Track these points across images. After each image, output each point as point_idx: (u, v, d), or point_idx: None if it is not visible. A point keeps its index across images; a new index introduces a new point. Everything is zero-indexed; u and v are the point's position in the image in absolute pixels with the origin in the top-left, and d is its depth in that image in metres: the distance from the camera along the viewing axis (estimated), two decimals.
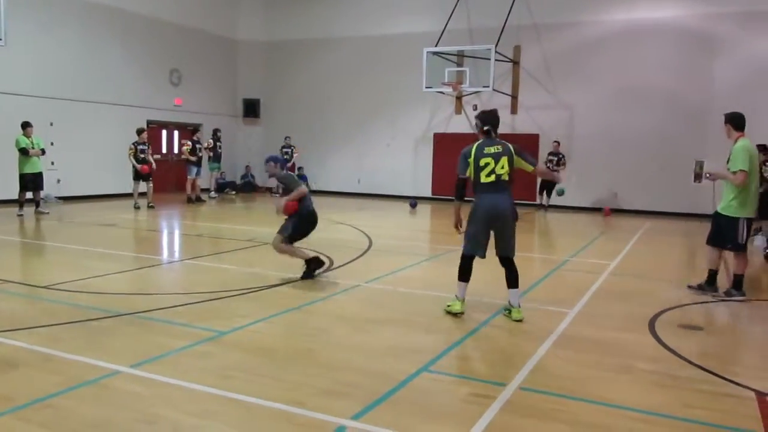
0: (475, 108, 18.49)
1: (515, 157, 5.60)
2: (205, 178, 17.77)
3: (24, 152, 12.34)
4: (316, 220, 7.33)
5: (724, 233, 6.75)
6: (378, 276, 7.40)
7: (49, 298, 6.05)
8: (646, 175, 16.43)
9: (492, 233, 5.62)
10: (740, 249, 6.75)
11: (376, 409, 3.62)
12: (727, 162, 6.73)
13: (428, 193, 19.03)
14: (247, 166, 21.18)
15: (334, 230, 11.05)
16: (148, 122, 17.87)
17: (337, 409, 3.59)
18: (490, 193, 5.53)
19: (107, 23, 16.74)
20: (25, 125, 12.51)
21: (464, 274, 5.70)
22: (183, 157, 16.80)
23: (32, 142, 12.49)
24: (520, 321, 5.50)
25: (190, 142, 16.65)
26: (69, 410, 3.53)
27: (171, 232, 11.91)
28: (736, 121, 6.74)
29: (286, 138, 19.26)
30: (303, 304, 6.04)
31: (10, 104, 14.14)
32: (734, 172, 6.53)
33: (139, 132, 14.74)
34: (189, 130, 18.57)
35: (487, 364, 4.51)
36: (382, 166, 19.46)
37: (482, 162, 5.52)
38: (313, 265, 7.14)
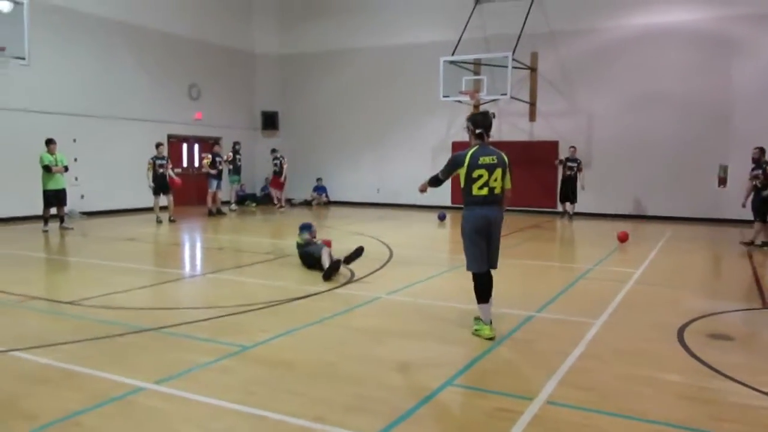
0: (493, 116, 18.36)
1: (508, 169, 5.34)
2: (225, 190, 17.90)
3: (47, 169, 12.53)
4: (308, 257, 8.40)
5: None
6: (399, 288, 7.36)
7: (74, 314, 6.11)
8: (667, 180, 16.22)
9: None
10: None
11: (401, 426, 3.57)
12: None
13: (448, 203, 18.95)
14: (266, 178, 21.29)
15: (354, 241, 11.03)
16: (169, 136, 18.08)
17: (360, 426, 3.55)
18: (482, 206, 5.27)
19: (127, 40, 17.01)
20: (49, 142, 12.71)
21: (481, 294, 5.39)
22: (203, 170, 16.96)
23: (56, 159, 12.68)
24: (492, 339, 5.24)
25: (210, 155, 16.80)
26: (93, 428, 3.54)
27: (192, 246, 12.00)
28: None
29: (272, 151, 19.07)
30: (324, 317, 6.02)
31: (34, 121, 14.40)
32: None
33: (157, 146, 14.92)
34: (209, 144, 18.77)
35: (513, 378, 4.45)
36: (401, 176, 19.44)
37: (475, 174, 5.21)
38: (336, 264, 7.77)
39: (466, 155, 5.29)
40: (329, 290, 7.20)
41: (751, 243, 11.21)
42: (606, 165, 16.91)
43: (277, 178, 18.62)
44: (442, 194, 18.99)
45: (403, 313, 6.26)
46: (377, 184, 20.23)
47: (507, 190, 5.41)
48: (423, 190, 5.82)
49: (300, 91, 21.52)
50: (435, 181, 5.61)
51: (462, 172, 5.28)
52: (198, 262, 10.32)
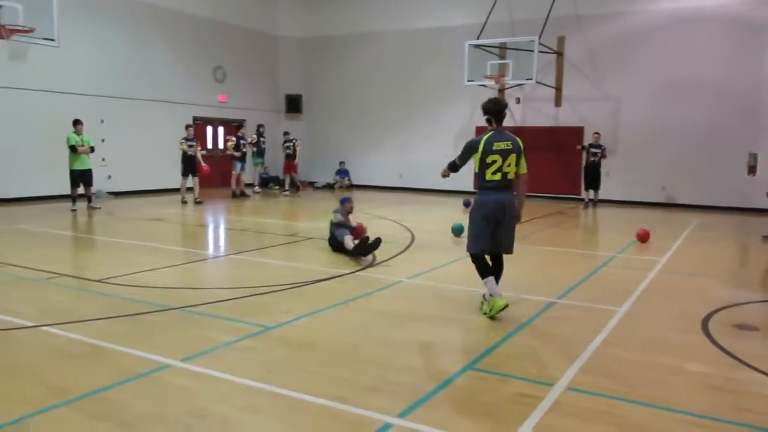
0: (518, 101, 18.23)
1: (522, 154, 5.39)
2: (249, 173, 18.03)
3: (73, 149, 12.75)
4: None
5: None
6: (420, 272, 7.38)
7: (102, 292, 6.23)
8: (695, 168, 15.92)
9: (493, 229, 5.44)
10: None
11: (422, 407, 3.60)
12: None
13: (470, 188, 18.86)
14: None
15: (377, 225, 11.06)
16: (194, 118, 18.23)
17: (382, 407, 3.59)
18: (495, 191, 5.35)
19: (154, 23, 17.12)
20: (76, 123, 12.91)
21: (484, 269, 5.52)
22: (227, 152, 17.09)
23: (82, 140, 12.88)
24: (488, 316, 5.36)
25: (234, 138, 16.91)
26: (121, 403, 3.63)
27: (216, 227, 12.13)
28: None
29: (285, 134, 18.89)
30: (346, 299, 6.07)
31: (63, 103, 14.62)
32: None
33: (187, 127, 15.10)
34: (233, 126, 18.89)
35: (533, 363, 4.44)
36: (424, 160, 19.37)
37: (489, 159, 5.29)
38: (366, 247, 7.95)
39: (480, 141, 5.36)
40: (351, 273, 7.24)
41: None
42: (632, 151, 16.64)
43: (290, 161, 18.46)
44: (465, 179, 18.93)
45: (424, 298, 6.28)
46: (400, 168, 20.19)
47: (523, 175, 5.44)
48: (445, 175, 5.93)
49: (323, 75, 21.50)
50: (453, 167, 5.73)
51: (476, 157, 5.36)
52: (222, 243, 10.44)
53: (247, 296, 6.13)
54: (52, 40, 11.79)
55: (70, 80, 15.02)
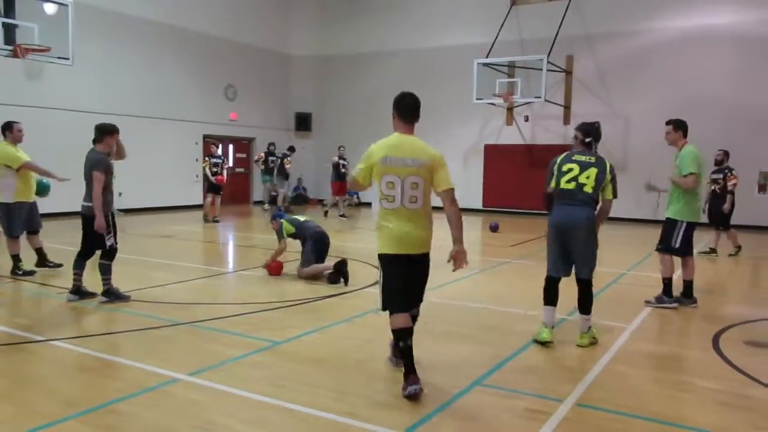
0: (526, 119, 18.29)
1: (608, 176, 5.02)
2: (258, 189, 18.13)
3: None
4: (324, 240, 8.02)
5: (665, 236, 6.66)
6: (429, 288, 7.32)
7: (111, 307, 6.27)
8: (706, 186, 15.81)
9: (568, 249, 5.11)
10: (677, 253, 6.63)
11: (430, 422, 3.59)
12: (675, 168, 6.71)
13: (479, 205, 18.89)
14: (299, 179, 21.50)
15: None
16: (205, 136, 18.38)
17: (391, 422, 3.58)
18: (566, 203, 5.03)
19: (167, 42, 17.37)
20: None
21: (546, 296, 5.23)
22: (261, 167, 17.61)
23: None
24: (583, 347, 5.12)
25: (263, 154, 17.29)
26: (131, 416, 3.64)
27: (226, 244, 12.19)
28: (685, 128, 6.77)
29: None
30: (354, 315, 6.07)
31: (77, 121, 14.79)
32: (685, 176, 6.51)
33: (211, 146, 15.23)
34: (245, 143, 19.02)
35: (542, 379, 4.42)
36: None
37: (565, 167, 5.06)
38: (341, 266, 7.51)
39: (562, 155, 5.23)
40: (359, 289, 7.25)
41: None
42: (642, 170, 16.52)
43: (341, 183, 16.41)
44: (474, 196, 18.96)
45: (432, 314, 6.25)
46: None
47: (607, 200, 5.12)
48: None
49: (333, 93, 21.68)
50: (546, 203, 5.34)
51: (554, 170, 5.16)
52: (231, 259, 10.48)
53: (256, 311, 6.14)
54: (67, 59, 12.00)
55: (84, 98, 15.22)
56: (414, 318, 4.32)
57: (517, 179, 18.09)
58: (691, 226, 6.57)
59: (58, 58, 11.96)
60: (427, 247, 4.39)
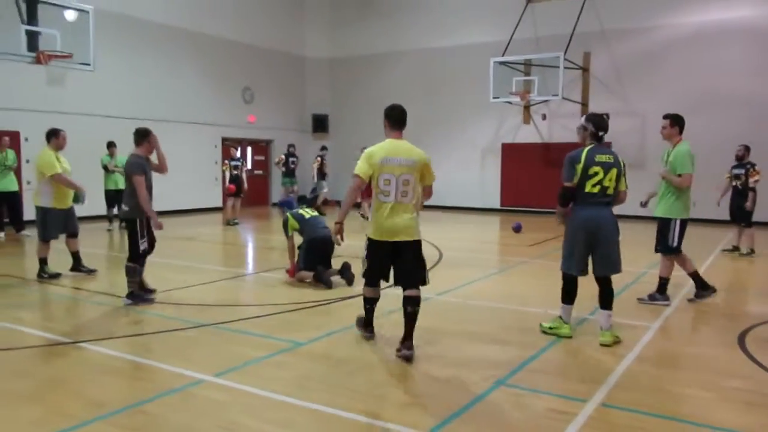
0: (544, 117, 18.20)
1: (623, 171, 5.23)
2: (277, 192, 18.21)
3: (105, 169, 13.21)
4: (323, 243, 7.75)
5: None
6: (449, 289, 7.37)
7: (137, 309, 6.36)
8: (726, 182, 15.60)
9: (591, 249, 5.20)
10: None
11: (454, 423, 3.60)
12: (665, 164, 6.71)
13: (497, 205, 18.83)
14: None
15: None
16: (223, 139, 18.56)
17: (414, 422, 3.59)
18: (592, 205, 5.13)
19: (184, 46, 17.54)
20: (109, 145, 13.31)
21: (566, 294, 5.36)
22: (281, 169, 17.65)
23: (115, 162, 13.23)
24: (607, 346, 5.09)
25: (283, 156, 17.36)
26: (158, 416, 3.70)
27: (246, 246, 12.28)
28: (682, 123, 6.75)
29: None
30: (376, 316, 6.07)
31: (98, 125, 15.02)
32: (680, 175, 6.51)
33: (231, 149, 15.31)
34: (262, 146, 19.11)
35: (566, 379, 4.41)
36: (449, 178, 19.38)
37: (591, 171, 5.08)
38: (344, 270, 7.62)
39: (581, 153, 5.18)
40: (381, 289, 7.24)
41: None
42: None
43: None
44: (491, 196, 18.91)
45: (453, 314, 6.27)
46: None
47: (622, 191, 5.29)
48: (566, 214, 5.39)
49: (349, 94, 21.73)
50: (563, 197, 5.29)
51: (579, 168, 5.14)
52: (251, 261, 10.56)
53: (278, 313, 6.19)
54: (88, 64, 12.17)
55: (104, 103, 15.44)
56: (416, 302, 4.91)
57: (535, 178, 17.99)
58: (684, 223, 6.62)
59: (80, 64, 12.13)
60: (415, 235, 4.90)
